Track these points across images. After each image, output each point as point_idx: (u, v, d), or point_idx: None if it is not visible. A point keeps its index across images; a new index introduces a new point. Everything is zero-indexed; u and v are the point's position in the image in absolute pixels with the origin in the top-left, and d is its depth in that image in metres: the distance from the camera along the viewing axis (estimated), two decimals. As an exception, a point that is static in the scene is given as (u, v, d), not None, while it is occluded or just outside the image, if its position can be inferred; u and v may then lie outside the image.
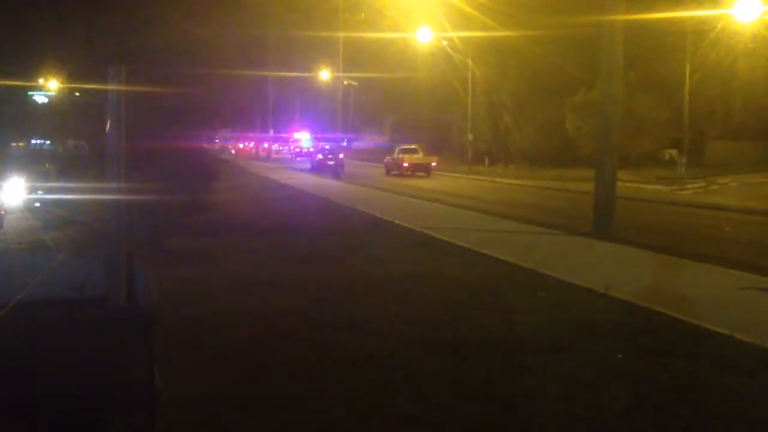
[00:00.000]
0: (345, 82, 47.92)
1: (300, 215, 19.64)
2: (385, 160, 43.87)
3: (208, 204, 15.57)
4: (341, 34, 39.38)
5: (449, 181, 36.76)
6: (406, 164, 40.75)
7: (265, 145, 74.19)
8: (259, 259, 11.90)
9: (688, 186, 30.61)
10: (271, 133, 74.60)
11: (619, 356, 6.53)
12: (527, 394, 5.63)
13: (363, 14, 44.23)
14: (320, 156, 46.06)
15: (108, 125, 3.23)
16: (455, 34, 44.40)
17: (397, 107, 62.09)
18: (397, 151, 42.66)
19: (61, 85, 30.85)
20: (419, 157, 42.24)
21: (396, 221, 16.82)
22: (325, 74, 55.53)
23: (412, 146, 43.49)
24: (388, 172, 42.16)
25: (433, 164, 41.93)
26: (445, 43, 46.28)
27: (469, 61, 45.77)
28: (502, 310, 8.29)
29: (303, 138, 66.57)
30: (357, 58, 48.57)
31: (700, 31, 36.01)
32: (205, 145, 18.67)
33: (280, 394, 5.62)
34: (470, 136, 46.48)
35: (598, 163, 15.95)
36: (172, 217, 13.91)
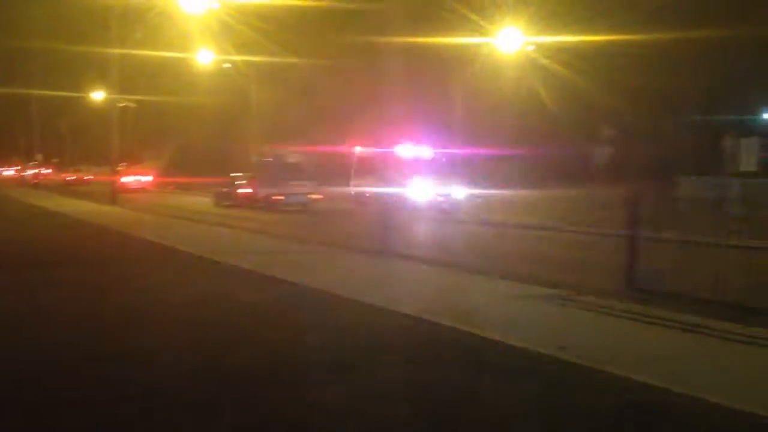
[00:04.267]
0: (122, 104, 45.54)
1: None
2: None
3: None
4: (115, 51, 36.87)
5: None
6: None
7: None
8: (25, 291, 10.83)
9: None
10: (40, 157, 68.94)
11: (404, 368, 6.71)
12: (316, 411, 5.58)
13: (139, 34, 42.35)
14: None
15: None
16: (238, 58, 44.10)
17: (180, 131, 60.24)
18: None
19: None
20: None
21: (176, 246, 16.17)
22: (98, 95, 52.39)
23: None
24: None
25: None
26: (228, 65, 45.76)
27: (253, 86, 45.66)
28: (287, 330, 8.22)
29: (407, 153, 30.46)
30: (136, 80, 46.54)
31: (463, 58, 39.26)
32: None
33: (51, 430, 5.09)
34: (254, 159, 46.26)
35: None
36: None
